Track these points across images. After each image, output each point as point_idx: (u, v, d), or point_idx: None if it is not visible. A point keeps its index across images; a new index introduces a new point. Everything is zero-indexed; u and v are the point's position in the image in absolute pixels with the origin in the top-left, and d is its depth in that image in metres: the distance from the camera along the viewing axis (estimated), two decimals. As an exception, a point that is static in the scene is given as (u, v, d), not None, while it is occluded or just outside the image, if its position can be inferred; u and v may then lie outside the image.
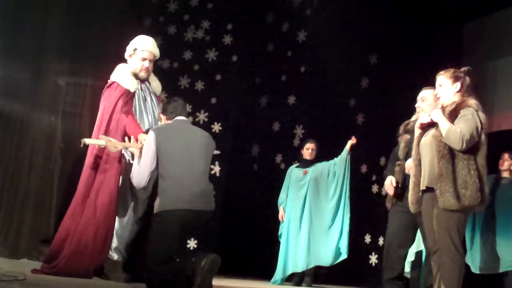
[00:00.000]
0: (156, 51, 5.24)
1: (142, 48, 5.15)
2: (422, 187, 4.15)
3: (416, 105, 4.90)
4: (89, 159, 5.02)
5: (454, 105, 4.13)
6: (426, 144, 4.13)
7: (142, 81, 5.20)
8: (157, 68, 8.14)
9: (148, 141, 4.45)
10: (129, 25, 6.99)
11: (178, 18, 8.62)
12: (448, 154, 3.98)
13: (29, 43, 6.04)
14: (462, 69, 4.24)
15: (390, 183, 4.78)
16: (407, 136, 4.86)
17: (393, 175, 4.84)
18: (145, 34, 6.56)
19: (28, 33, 6.07)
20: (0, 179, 5.92)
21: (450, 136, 3.96)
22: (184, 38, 8.63)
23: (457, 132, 3.95)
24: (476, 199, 3.94)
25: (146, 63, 5.14)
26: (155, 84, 5.31)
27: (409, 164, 4.57)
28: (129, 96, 5.06)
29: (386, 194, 5.01)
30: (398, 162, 4.85)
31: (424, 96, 4.83)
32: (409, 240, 4.84)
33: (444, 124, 4.01)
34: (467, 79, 4.21)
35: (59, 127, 6.21)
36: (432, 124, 4.15)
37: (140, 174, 4.47)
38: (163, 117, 4.70)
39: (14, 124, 6.02)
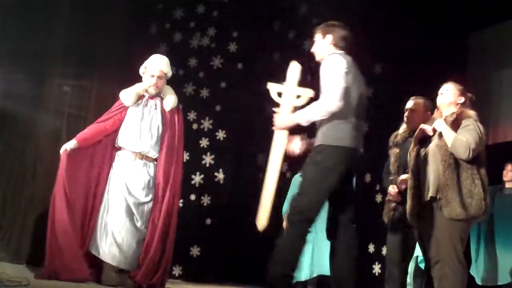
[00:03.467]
0: (164, 68, 5.37)
1: (151, 66, 5.32)
2: (426, 197, 4.13)
3: (405, 116, 4.91)
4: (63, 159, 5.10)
5: (454, 116, 4.15)
6: (430, 155, 4.13)
7: (153, 97, 5.27)
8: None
9: (340, 62, 4.19)
10: (134, 32, 7.00)
11: (184, 25, 8.62)
12: (454, 163, 3.99)
13: (33, 46, 6.05)
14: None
15: (394, 190, 4.76)
16: (397, 150, 4.87)
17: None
18: (150, 40, 6.57)
19: (33, 37, 6.09)
20: (4, 184, 5.92)
21: (456, 146, 3.97)
22: (189, 45, 8.62)
23: (463, 141, 3.96)
24: (481, 209, 3.96)
25: (154, 80, 5.30)
26: (167, 100, 5.37)
27: (403, 179, 4.58)
28: (123, 108, 5.28)
29: (383, 208, 5.01)
30: (391, 178, 4.85)
31: (412, 107, 4.89)
32: (409, 253, 4.84)
33: (449, 134, 4.03)
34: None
35: (63, 132, 6.21)
36: (428, 136, 4.18)
37: (333, 94, 4.04)
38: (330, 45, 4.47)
39: (18, 128, 6.02)
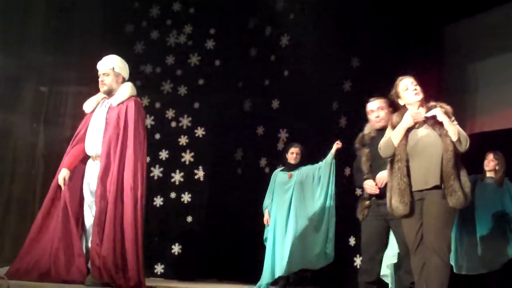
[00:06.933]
0: (106, 64, 5.26)
1: (97, 67, 5.30)
2: (424, 186, 4.15)
3: (375, 116, 4.91)
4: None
5: (443, 110, 4.20)
6: (429, 144, 4.15)
7: (108, 95, 5.24)
8: (140, 73, 8.19)
9: None
10: (111, 31, 6.96)
11: (160, 23, 8.62)
12: (456, 154, 4.09)
13: (9, 50, 6.01)
14: None
15: (372, 185, 4.78)
16: (366, 150, 4.90)
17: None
18: (127, 39, 6.51)
19: (8, 40, 6.04)
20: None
21: (461, 138, 4.07)
22: (166, 43, 8.62)
23: (464, 134, 4.10)
24: (470, 198, 4.13)
25: (100, 78, 5.24)
26: (116, 95, 5.25)
27: (382, 177, 4.61)
28: (87, 117, 5.28)
29: (358, 206, 5.03)
30: (364, 177, 4.87)
31: (380, 106, 4.89)
32: (384, 244, 4.89)
33: (451, 125, 4.11)
34: None
35: (41, 134, 6.18)
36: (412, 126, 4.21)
37: None
38: None
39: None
